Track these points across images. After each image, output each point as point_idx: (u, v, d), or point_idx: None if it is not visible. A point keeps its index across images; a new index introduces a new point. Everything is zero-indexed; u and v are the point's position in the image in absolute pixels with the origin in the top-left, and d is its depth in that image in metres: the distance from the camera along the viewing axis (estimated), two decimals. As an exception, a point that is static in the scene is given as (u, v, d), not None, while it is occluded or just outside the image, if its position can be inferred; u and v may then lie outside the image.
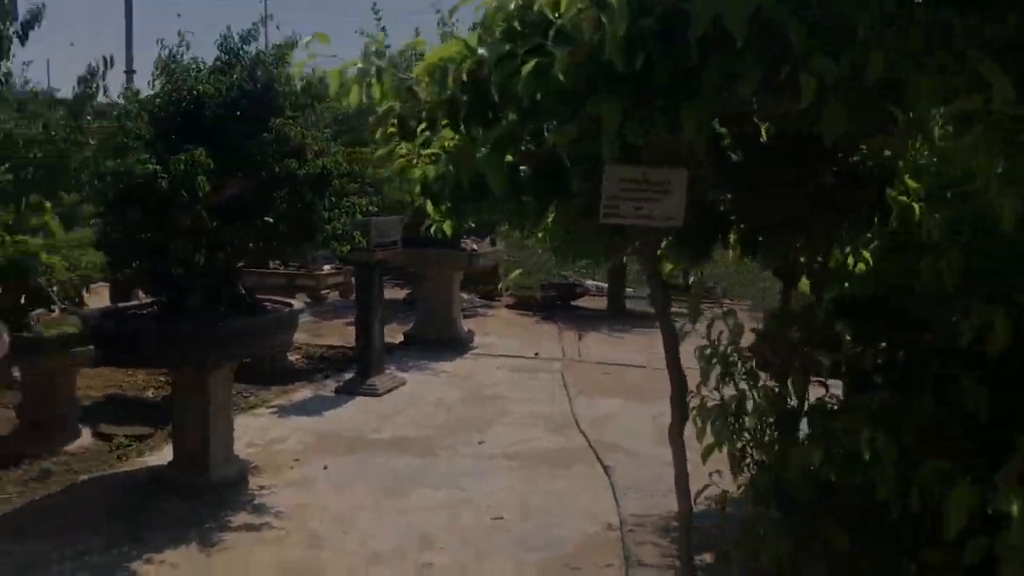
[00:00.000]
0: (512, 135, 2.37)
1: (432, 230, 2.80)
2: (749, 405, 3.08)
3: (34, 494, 5.51)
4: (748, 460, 3.13)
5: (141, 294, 7.93)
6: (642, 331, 11.36)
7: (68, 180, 3.87)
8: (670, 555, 4.74)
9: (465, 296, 12.04)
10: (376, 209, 6.44)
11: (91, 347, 6.10)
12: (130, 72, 13.29)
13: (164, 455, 6.07)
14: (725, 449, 3.15)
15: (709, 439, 3.15)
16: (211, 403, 5.43)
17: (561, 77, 2.12)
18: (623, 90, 2.16)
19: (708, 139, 2.40)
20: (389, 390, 8.13)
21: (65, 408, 6.43)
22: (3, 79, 3.72)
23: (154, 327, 5.32)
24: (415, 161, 2.56)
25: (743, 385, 3.18)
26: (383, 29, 10.72)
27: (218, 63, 5.21)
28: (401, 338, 10.23)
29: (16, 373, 6.75)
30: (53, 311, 6.25)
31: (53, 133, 3.75)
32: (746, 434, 3.07)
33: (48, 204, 4.12)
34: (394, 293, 12.67)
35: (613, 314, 12.51)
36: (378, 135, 2.58)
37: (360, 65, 2.34)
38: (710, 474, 3.24)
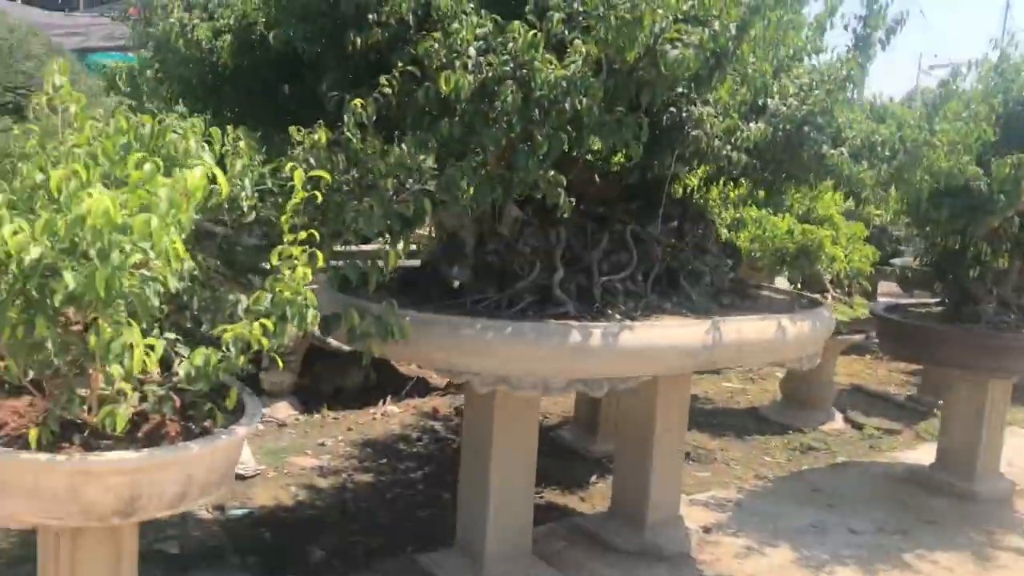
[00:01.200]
0: None
1: None
2: None
3: (799, 464, 5.99)
4: None
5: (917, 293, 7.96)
6: None
7: (911, 180, 3.99)
8: None
9: None
10: None
11: (851, 336, 6.41)
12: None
13: (916, 454, 6.09)
14: None
15: None
16: (985, 412, 5.26)
17: None
18: None
19: None
20: None
21: (823, 390, 6.84)
22: (861, 80, 3.97)
23: (935, 326, 5.31)
24: None
25: None
26: None
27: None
28: None
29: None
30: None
31: (905, 133, 3.90)
32: None
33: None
34: None
35: None
36: None
37: None
38: None
